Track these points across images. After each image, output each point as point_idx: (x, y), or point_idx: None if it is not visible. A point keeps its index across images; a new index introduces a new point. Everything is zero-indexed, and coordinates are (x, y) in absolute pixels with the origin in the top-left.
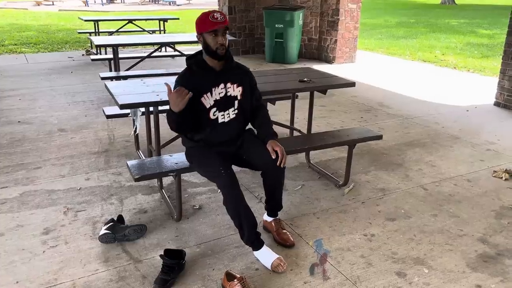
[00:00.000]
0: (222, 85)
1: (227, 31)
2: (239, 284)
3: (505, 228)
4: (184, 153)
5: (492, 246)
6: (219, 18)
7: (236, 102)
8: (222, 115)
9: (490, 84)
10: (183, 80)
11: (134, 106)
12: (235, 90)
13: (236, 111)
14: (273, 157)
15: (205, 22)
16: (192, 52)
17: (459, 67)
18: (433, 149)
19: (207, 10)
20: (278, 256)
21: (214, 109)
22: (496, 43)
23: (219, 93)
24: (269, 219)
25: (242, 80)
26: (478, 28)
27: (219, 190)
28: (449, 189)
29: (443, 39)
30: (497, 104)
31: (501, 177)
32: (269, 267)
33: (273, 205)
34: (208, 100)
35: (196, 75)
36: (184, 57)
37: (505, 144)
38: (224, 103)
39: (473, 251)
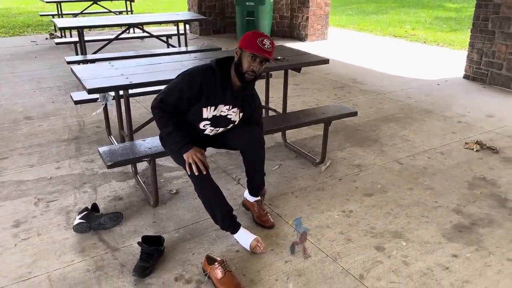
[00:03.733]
0: (229, 107)
1: (267, 62)
2: (220, 267)
3: (478, 198)
4: (158, 136)
5: (466, 216)
6: (266, 46)
7: (231, 125)
8: (211, 130)
9: (459, 57)
10: (204, 78)
11: (103, 90)
12: (237, 116)
13: (225, 130)
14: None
15: (251, 42)
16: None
17: (428, 42)
18: (407, 123)
19: (260, 31)
20: (255, 237)
21: (207, 122)
22: (464, 17)
23: (221, 111)
24: (251, 199)
25: (248, 107)
26: (445, 2)
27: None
28: (423, 162)
29: (413, 14)
30: (466, 77)
31: (473, 149)
32: (248, 249)
33: (255, 185)
34: (207, 113)
35: (215, 83)
36: (154, 38)
37: (475, 116)
38: (219, 122)
39: (448, 222)
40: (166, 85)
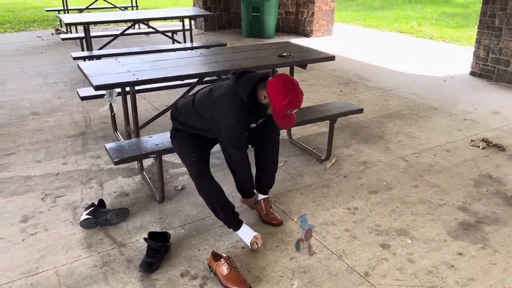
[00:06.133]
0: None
1: None
2: (225, 263)
3: (483, 196)
4: (165, 133)
5: (472, 214)
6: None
7: None
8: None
9: (465, 53)
10: (244, 112)
11: (110, 86)
12: None
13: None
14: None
15: (283, 108)
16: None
17: (435, 38)
18: (413, 120)
19: (295, 96)
20: (255, 233)
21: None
22: (471, 13)
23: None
24: (259, 197)
25: None
26: None
27: None
28: (428, 159)
29: (419, 10)
30: (472, 73)
31: (479, 146)
32: (249, 246)
33: (267, 179)
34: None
35: (251, 114)
36: (160, 34)
37: (481, 113)
38: None
39: (453, 219)
40: (222, 136)
